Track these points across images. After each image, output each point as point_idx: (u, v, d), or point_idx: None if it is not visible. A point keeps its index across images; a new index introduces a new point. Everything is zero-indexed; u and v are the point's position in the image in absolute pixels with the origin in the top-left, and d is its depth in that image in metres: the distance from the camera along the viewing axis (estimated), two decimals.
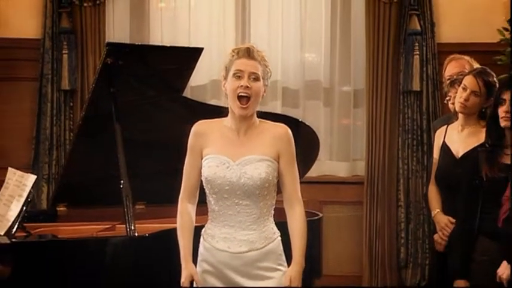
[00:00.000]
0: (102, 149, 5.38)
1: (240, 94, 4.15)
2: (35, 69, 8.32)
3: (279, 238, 4.30)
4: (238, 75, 4.18)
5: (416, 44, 8.29)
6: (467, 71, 5.62)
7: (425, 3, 8.35)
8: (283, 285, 4.29)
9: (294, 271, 4.18)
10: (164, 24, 8.76)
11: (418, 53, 8.30)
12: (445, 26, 8.47)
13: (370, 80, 8.45)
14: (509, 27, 7.87)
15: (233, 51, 4.29)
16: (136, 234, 4.97)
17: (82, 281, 4.87)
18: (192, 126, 4.40)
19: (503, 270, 4.52)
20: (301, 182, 4.54)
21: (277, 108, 8.18)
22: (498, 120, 4.81)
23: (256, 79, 4.19)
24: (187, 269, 4.20)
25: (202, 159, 4.29)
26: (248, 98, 4.17)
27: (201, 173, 4.29)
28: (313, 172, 7.17)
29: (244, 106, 4.17)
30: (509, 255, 4.55)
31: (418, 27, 8.30)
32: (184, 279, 4.19)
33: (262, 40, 8.52)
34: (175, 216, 4.50)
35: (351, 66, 8.75)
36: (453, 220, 5.28)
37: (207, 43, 8.00)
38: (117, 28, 8.66)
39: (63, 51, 8.28)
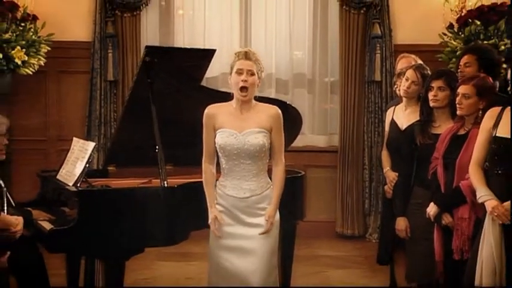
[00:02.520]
0: (141, 124, 5.33)
1: (241, 86, 4.43)
2: (87, 64, 8.32)
3: (271, 187, 4.58)
4: (239, 72, 4.44)
5: (378, 45, 8.40)
6: (413, 65, 5.64)
7: (384, 14, 8.41)
8: (276, 220, 4.55)
9: (270, 209, 4.51)
10: (185, 29, 8.69)
11: (379, 52, 8.40)
12: (400, 32, 8.51)
13: (343, 73, 8.55)
14: (447, 33, 7.99)
15: (235, 54, 4.55)
16: (166, 185, 5.05)
17: (127, 218, 4.95)
18: (206, 107, 4.69)
19: (430, 208, 4.67)
20: (289, 151, 4.89)
21: (271, 94, 8.20)
22: (428, 102, 4.95)
23: (252, 74, 4.44)
24: (212, 212, 4.51)
25: (215, 132, 4.54)
26: (247, 88, 4.43)
27: (215, 142, 4.55)
28: (299, 143, 7.28)
29: (244, 94, 4.45)
30: (435, 199, 4.68)
31: (379, 32, 8.41)
32: (210, 219, 4.51)
33: (260, 41, 8.70)
34: (194, 173, 4.93)
35: (328, 62, 8.79)
36: (397, 174, 5.42)
37: (218, 44, 8.04)
38: (149, 33, 8.61)
39: (108, 51, 8.30)
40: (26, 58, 7.57)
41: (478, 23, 7.68)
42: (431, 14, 8.26)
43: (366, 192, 8.56)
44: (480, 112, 4.56)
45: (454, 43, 7.65)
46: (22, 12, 7.71)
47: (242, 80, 4.45)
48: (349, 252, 7.94)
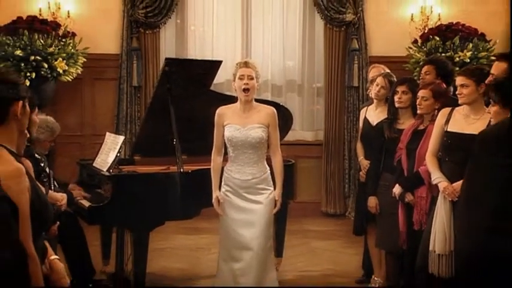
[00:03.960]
0: (162, 121, 5.36)
1: (244, 88, 4.56)
2: (116, 73, 8.32)
3: (269, 171, 4.71)
4: (241, 78, 4.57)
5: (355, 57, 8.36)
6: (382, 74, 5.62)
7: (361, 31, 8.38)
8: (270, 198, 4.67)
9: (277, 192, 4.64)
10: (196, 43, 8.61)
11: (356, 62, 8.36)
12: (373, 46, 8.45)
13: (327, 80, 8.52)
14: (412, 47, 8.01)
15: (237, 64, 4.71)
16: (182, 171, 5.12)
17: (150, 197, 5.05)
18: (215, 108, 4.78)
19: (395, 189, 4.73)
20: (282, 144, 4.92)
21: (268, 97, 8.13)
22: (394, 103, 4.99)
23: (252, 79, 4.58)
24: (215, 193, 4.66)
25: (223, 128, 4.65)
26: (249, 90, 4.57)
27: (223, 136, 4.67)
28: (291, 137, 7.16)
29: (247, 94, 4.58)
30: (400, 181, 4.72)
31: (357, 46, 8.37)
32: (214, 199, 4.65)
33: (259, 53, 8.63)
34: (204, 161, 4.99)
35: (315, 70, 8.72)
36: (369, 162, 5.46)
37: (223, 55, 7.95)
38: (167, 46, 8.55)
39: (133, 62, 8.29)
40: (66, 68, 7.58)
41: (438, 39, 7.79)
42: (399, 31, 8.24)
43: (346, 178, 8.51)
44: (436, 111, 4.62)
45: (418, 55, 7.71)
46: (63, 30, 7.77)
47: (244, 84, 4.57)
48: (332, 227, 7.95)
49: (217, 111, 4.73)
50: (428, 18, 8.21)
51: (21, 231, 2.14)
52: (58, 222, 4.22)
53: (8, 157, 2.38)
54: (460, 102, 4.35)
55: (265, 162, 4.77)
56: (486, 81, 3.98)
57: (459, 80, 4.34)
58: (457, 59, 7.56)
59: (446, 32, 7.87)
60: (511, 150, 2.42)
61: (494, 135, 2.74)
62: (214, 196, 4.68)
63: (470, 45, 7.73)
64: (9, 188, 2.18)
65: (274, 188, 4.74)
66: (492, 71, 4.10)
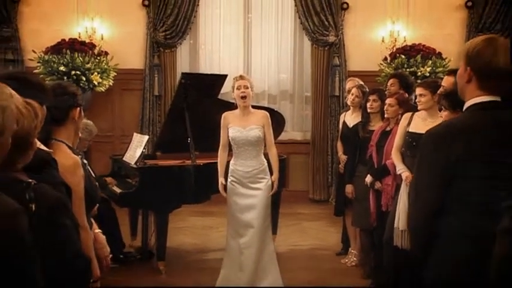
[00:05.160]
0: (178, 124, 5.44)
1: (241, 96, 4.62)
2: (140, 84, 8.31)
3: (266, 163, 4.76)
4: (238, 88, 4.62)
5: (337, 71, 8.31)
6: (356, 85, 5.70)
7: (341, 50, 8.31)
8: (268, 185, 4.71)
9: (275, 176, 4.71)
10: (206, 60, 8.57)
11: (338, 76, 8.30)
12: (351, 62, 8.39)
13: (314, 90, 8.47)
14: (383, 63, 7.96)
15: (234, 78, 4.75)
16: (195, 163, 5.27)
17: (169, 185, 5.16)
18: (222, 113, 4.83)
19: (367, 178, 4.79)
20: (276, 143, 4.87)
21: (265, 104, 7.95)
22: (367, 109, 5.05)
23: (247, 88, 4.63)
24: (220, 181, 4.71)
25: (228, 129, 4.71)
26: (246, 97, 4.62)
27: (228, 136, 4.72)
28: (284, 137, 7.06)
29: (244, 101, 4.64)
30: (371, 172, 4.77)
31: (338, 63, 8.32)
32: (219, 185, 4.72)
33: (257, 68, 8.60)
34: (213, 157, 4.99)
35: (303, 82, 8.69)
36: (346, 157, 5.55)
37: (228, 69, 7.81)
38: (182, 62, 8.52)
39: (155, 75, 8.26)
40: (100, 80, 7.62)
41: (403, 57, 7.80)
42: (372, 50, 8.21)
43: (329, 171, 8.44)
44: (400, 116, 4.63)
45: (388, 70, 7.66)
46: (98, 49, 7.84)
47: (241, 92, 4.62)
48: (317, 210, 7.96)
49: (222, 115, 4.78)
50: (396, 40, 8.22)
51: (77, 210, 2.19)
52: (97, 205, 4.31)
53: (67, 151, 2.45)
54: (419, 108, 4.36)
55: (263, 156, 4.81)
56: (438, 92, 4.01)
57: (418, 90, 4.36)
58: (419, 73, 7.61)
59: (411, 51, 7.89)
60: None
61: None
62: (219, 182, 4.75)
63: (430, 62, 7.74)
64: (68, 176, 2.21)
65: (271, 176, 4.78)
66: (443, 84, 4.12)
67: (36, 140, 1.85)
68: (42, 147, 2.07)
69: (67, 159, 2.37)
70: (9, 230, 1.33)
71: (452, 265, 2.07)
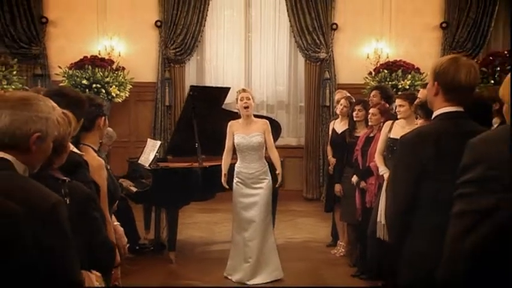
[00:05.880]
0: (187, 131, 5.42)
1: (244, 106, 4.67)
2: (153, 96, 8.29)
3: (267, 166, 4.79)
4: (241, 99, 4.67)
5: (327, 84, 8.31)
6: (344, 96, 5.76)
7: (331, 65, 8.28)
8: (269, 185, 4.73)
9: (278, 170, 4.77)
10: (211, 74, 8.52)
11: (328, 88, 8.28)
12: (340, 76, 8.38)
13: (307, 100, 8.44)
14: (368, 77, 7.90)
15: (237, 91, 4.81)
16: (202, 166, 5.25)
17: (179, 184, 5.17)
18: (226, 121, 4.89)
19: (354, 179, 4.81)
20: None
21: (264, 113, 7.96)
22: (353, 117, 5.08)
23: (249, 99, 4.68)
24: (223, 175, 4.77)
25: (233, 135, 4.75)
26: (248, 107, 4.68)
27: (233, 141, 4.75)
28: (280, 143, 6.56)
29: (247, 111, 4.69)
30: (356, 173, 4.79)
31: (328, 76, 8.31)
32: (222, 178, 4.76)
33: (256, 81, 8.57)
34: (218, 160, 5.00)
35: (298, 94, 8.66)
36: (335, 160, 5.56)
37: (231, 82, 7.89)
38: (190, 76, 8.46)
39: (166, 88, 8.24)
40: (118, 92, 7.67)
41: (386, 71, 7.82)
42: (359, 65, 8.16)
43: (320, 172, 8.38)
44: (382, 124, 4.66)
45: (372, 83, 7.60)
46: (116, 65, 7.85)
47: (244, 103, 4.68)
48: (310, 208, 7.92)
49: (228, 123, 4.82)
50: (379, 57, 8.20)
51: (101, 205, 2.27)
52: (117, 201, 4.37)
53: (94, 154, 2.54)
54: (398, 117, 4.39)
55: (264, 159, 4.84)
56: (415, 103, 4.03)
57: (398, 101, 4.39)
58: (400, 86, 7.63)
59: (392, 66, 7.90)
60: None
61: None
62: (222, 174, 4.81)
63: (409, 76, 7.75)
64: (95, 175, 2.32)
65: (272, 178, 4.81)
66: (419, 96, 4.17)
67: (70, 144, 1.96)
68: (75, 150, 2.17)
69: (94, 161, 2.46)
70: (52, 216, 1.42)
71: (423, 254, 2.10)
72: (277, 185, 4.83)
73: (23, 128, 1.47)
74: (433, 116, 2.27)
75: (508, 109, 1.70)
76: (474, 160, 1.03)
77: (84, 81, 7.43)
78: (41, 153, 1.55)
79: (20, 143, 1.47)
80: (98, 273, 1.90)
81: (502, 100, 1.70)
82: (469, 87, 2.18)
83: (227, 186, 4.83)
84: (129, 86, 7.89)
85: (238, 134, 4.77)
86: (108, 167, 2.86)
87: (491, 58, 7.24)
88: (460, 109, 2.20)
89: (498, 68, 6.90)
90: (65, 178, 1.88)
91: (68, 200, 1.79)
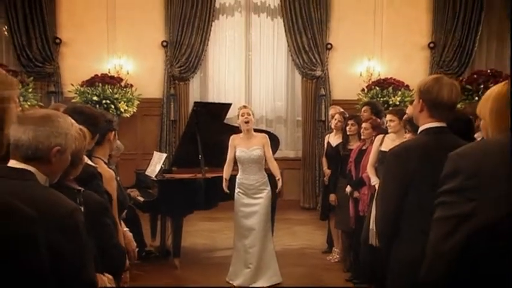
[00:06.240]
0: (191, 144, 5.45)
1: (245, 121, 4.71)
2: (159, 111, 8.33)
3: (267, 177, 4.81)
4: (242, 115, 4.70)
5: (323, 100, 8.35)
6: (338, 112, 5.80)
7: (326, 82, 8.36)
8: (268, 195, 4.73)
9: (278, 178, 4.78)
10: (214, 90, 8.56)
11: (323, 104, 8.31)
12: (335, 92, 8.43)
13: (304, 115, 8.46)
14: (361, 93, 7.94)
15: (239, 108, 4.83)
16: (205, 177, 5.25)
17: (184, 194, 5.18)
18: (227, 135, 4.91)
19: (347, 189, 4.81)
20: None
21: (263, 127, 7.82)
22: (346, 131, 5.11)
23: (249, 115, 4.71)
24: (224, 181, 4.81)
25: (235, 149, 4.77)
26: (248, 122, 4.71)
27: (234, 154, 4.78)
28: (278, 155, 6.46)
29: (247, 125, 4.72)
30: (350, 183, 4.78)
31: (324, 93, 8.35)
32: (224, 183, 4.80)
33: (256, 97, 8.62)
34: (219, 171, 5.00)
35: (295, 109, 8.67)
36: (330, 171, 5.55)
37: (232, 98, 7.92)
38: (194, 93, 8.50)
39: (171, 103, 8.27)
40: (126, 108, 7.70)
41: (378, 88, 7.86)
42: (352, 83, 8.22)
43: (316, 183, 8.37)
44: (373, 137, 4.66)
45: (365, 99, 7.58)
46: (124, 82, 7.90)
47: (245, 118, 4.71)
48: (306, 216, 7.91)
49: (231, 137, 4.85)
50: (371, 74, 8.25)
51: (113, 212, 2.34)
52: (126, 211, 4.40)
53: (104, 166, 2.60)
54: (389, 131, 4.40)
55: (264, 171, 4.86)
56: (404, 118, 4.05)
57: (388, 117, 4.41)
58: (391, 101, 7.66)
59: (384, 83, 7.93)
60: None
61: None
62: (224, 181, 4.84)
63: (399, 93, 7.79)
64: (106, 185, 2.37)
65: (271, 188, 4.83)
66: (407, 111, 4.17)
67: (85, 157, 2.02)
68: (90, 162, 2.23)
69: (105, 172, 2.52)
70: (70, 222, 1.47)
71: (409, 258, 2.11)
72: (277, 190, 4.85)
73: (45, 142, 1.53)
74: (419, 131, 2.32)
75: (485, 125, 1.77)
76: (453, 171, 1.08)
77: (95, 98, 7.48)
78: (60, 165, 1.61)
79: (41, 156, 1.54)
80: (110, 276, 1.94)
81: (479, 116, 1.76)
82: (451, 105, 2.24)
83: (228, 191, 4.85)
84: (136, 102, 7.93)
85: (239, 147, 4.79)
86: (118, 178, 2.91)
87: (475, 76, 7.30)
88: (443, 124, 2.26)
89: (482, 86, 6.94)
90: (80, 188, 1.94)
91: (82, 208, 1.84)
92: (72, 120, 1.64)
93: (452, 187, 1.07)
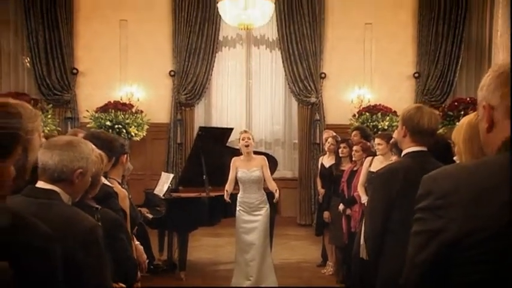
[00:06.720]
0: (196, 165, 5.46)
1: (245, 145, 4.73)
2: (167, 135, 8.32)
3: (265, 195, 4.82)
4: (243, 139, 4.73)
5: (317, 124, 8.34)
6: (331, 135, 5.83)
7: (321, 108, 8.34)
8: (267, 212, 4.73)
9: (276, 190, 4.76)
10: (217, 115, 8.57)
11: (318, 128, 8.29)
12: (328, 117, 8.42)
13: (300, 138, 8.44)
14: (352, 119, 7.98)
15: (240, 132, 4.87)
16: (208, 195, 5.27)
17: (189, 211, 5.19)
18: (229, 157, 4.93)
19: (340, 206, 4.83)
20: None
21: (262, 149, 7.89)
22: (339, 153, 5.15)
23: (249, 139, 4.74)
24: (225, 195, 4.78)
25: (236, 170, 4.79)
26: (248, 146, 4.74)
27: (236, 175, 4.80)
28: (276, 175, 6.40)
29: (247, 148, 4.75)
30: (343, 202, 4.80)
31: (318, 118, 8.34)
32: (225, 197, 4.78)
33: (256, 121, 8.62)
34: (223, 190, 4.93)
35: (292, 132, 8.65)
36: (324, 190, 5.55)
37: (234, 123, 7.94)
38: (199, 118, 8.51)
39: (178, 128, 8.25)
40: (137, 132, 7.70)
41: (368, 114, 7.89)
42: (344, 108, 8.26)
43: (312, 201, 8.31)
44: (363, 159, 4.70)
45: (356, 124, 7.52)
46: (135, 108, 7.93)
47: (245, 142, 4.74)
48: (303, 232, 7.88)
49: (232, 159, 4.88)
50: (362, 101, 8.27)
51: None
52: (136, 227, 4.42)
53: (119, 186, 2.65)
54: (377, 154, 4.46)
55: (263, 190, 4.89)
56: (391, 142, 4.06)
57: (377, 140, 4.47)
58: (380, 126, 7.68)
59: (373, 109, 7.97)
60: None
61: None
62: (225, 192, 4.82)
63: (388, 118, 7.79)
64: (121, 203, 2.42)
65: (270, 206, 4.84)
66: (394, 135, 4.31)
67: (102, 178, 2.09)
68: (107, 182, 2.30)
69: (120, 191, 2.57)
70: (90, 237, 1.53)
71: (394, 270, 2.11)
72: (274, 200, 4.83)
73: (69, 165, 1.60)
74: (402, 154, 2.39)
75: (459, 151, 1.85)
76: (426, 192, 1.13)
77: (108, 123, 7.52)
78: (82, 186, 1.68)
79: (66, 178, 1.61)
80: (124, 286, 1.99)
81: (454, 143, 1.84)
82: (431, 131, 2.32)
83: (229, 201, 4.84)
84: (146, 127, 7.95)
85: (240, 169, 4.82)
86: (130, 197, 2.97)
87: (456, 103, 7.37)
88: (424, 149, 2.33)
89: (462, 112, 6.99)
90: (97, 206, 2.00)
91: (100, 224, 1.91)
92: (93, 146, 1.71)
93: (425, 205, 1.12)
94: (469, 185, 1.07)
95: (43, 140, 1.64)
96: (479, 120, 1.19)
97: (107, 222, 1.96)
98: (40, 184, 1.60)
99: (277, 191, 4.82)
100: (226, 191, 4.85)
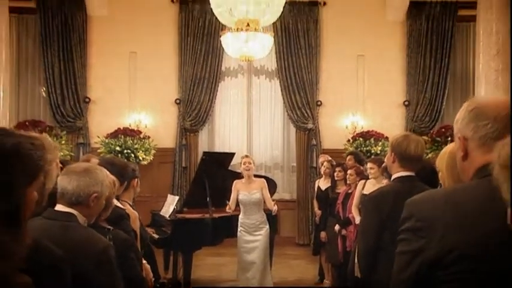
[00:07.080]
0: (200, 188, 5.42)
1: (246, 168, 4.79)
2: (172, 158, 8.30)
3: (265, 216, 4.84)
4: (244, 163, 4.80)
5: (314, 149, 8.29)
6: (327, 160, 5.85)
7: (317, 134, 8.33)
8: (267, 232, 4.74)
9: (274, 205, 4.84)
10: (220, 141, 8.57)
11: (315, 152, 8.21)
12: (324, 142, 8.38)
13: (298, 162, 8.39)
14: (347, 144, 7.98)
15: (241, 157, 4.93)
16: (212, 216, 5.22)
17: (193, 232, 5.14)
18: (231, 180, 4.97)
19: (336, 227, 4.87)
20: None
21: (262, 173, 7.71)
22: (334, 177, 5.19)
23: (250, 163, 4.81)
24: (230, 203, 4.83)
25: (238, 193, 4.84)
26: (249, 169, 4.80)
27: (237, 197, 4.83)
28: (276, 197, 6.34)
29: (248, 173, 4.80)
30: (338, 222, 4.84)
31: (315, 143, 8.32)
32: (227, 208, 4.83)
33: (257, 147, 8.60)
34: (224, 211, 5.02)
35: (290, 157, 8.62)
36: (320, 212, 5.59)
37: (236, 148, 7.97)
38: (202, 143, 8.49)
39: (183, 152, 8.24)
40: (144, 156, 7.72)
41: (361, 139, 7.90)
42: (339, 134, 8.26)
43: (310, 222, 8.14)
44: (357, 182, 4.73)
45: (350, 149, 7.56)
46: (143, 134, 7.95)
47: (246, 166, 4.80)
48: (301, 251, 7.78)
49: (234, 182, 4.91)
50: (355, 127, 8.27)
51: None
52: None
53: (130, 208, 2.70)
54: (370, 177, 4.49)
55: (263, 211, 4.91)
56: (382, 166, 4.14)
57: (369, 165, 4.53)
58: (372, 151, 7.69)
59: (366, 135, 7.98)
60: None
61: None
62: (228, 207, 4.87)
63: (380, 143, 7.80)
64: (132, 225, 2.47)
65: (270, 226, 4.86)
66: (385, 160, 4.40)
67: (115, 200, 2.14)
68: (119, 204, 2.35)
69: (131, 213, 2.62)
70: (104, 256, 1.58)
71: (384, 286, 2.14)
72: (273, 213, 4.86)
73: (86, 190, 1.66)
74: (392, 179, 2.45)
75: (442, 176, 1.91)
76: (408, 214, 1.19)
77: (117, 148, 7.57)
78: (97, 209, 1.74)
79: (82, 201, 1.67)
80: None
81: (438, 169, 1.90)
82: (417, 157, 2.38)
83: (232, 209, 4.86)
84: (153, 151, 7.95)
85: (241, 191, 4.86)
86: (140, 218, 3.03)
87: (443, 130, 7.44)
88: (412, 174, 2.39)
89: (449, 138, 7.01)
90: (110, 227, 2.05)
91: (112, 244, 1.95)
92: (107, 172, 1.77)
93: (408, 227, 1.17)
94: (447, 208, 1.12)
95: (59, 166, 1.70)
96: (456, 149, 1.24)
97: (118, 242, 2.00)
98: (59, 207, 1.66)
99: (275, 205, 4.86)
100: (229, 206, 4.87)
